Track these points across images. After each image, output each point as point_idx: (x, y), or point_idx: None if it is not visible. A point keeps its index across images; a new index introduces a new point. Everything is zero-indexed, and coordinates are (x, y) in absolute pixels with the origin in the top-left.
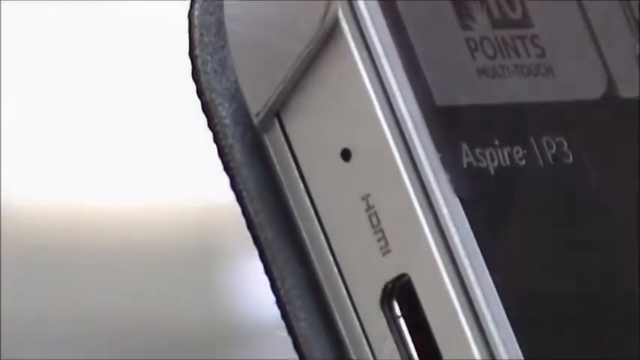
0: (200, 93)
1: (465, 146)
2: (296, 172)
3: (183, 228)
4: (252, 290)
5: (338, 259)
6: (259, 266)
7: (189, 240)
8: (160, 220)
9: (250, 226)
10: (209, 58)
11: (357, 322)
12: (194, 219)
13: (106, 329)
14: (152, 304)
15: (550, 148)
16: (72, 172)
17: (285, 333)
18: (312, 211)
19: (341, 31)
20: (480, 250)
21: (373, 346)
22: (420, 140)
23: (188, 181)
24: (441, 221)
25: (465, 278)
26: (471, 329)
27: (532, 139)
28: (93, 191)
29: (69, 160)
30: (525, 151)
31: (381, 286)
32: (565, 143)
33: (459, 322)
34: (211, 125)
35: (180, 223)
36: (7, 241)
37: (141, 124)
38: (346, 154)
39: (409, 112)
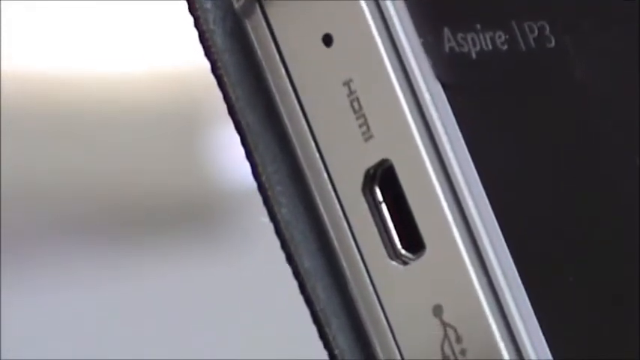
0: None
1: (446, 31)
2: (277, 58)
3: (166, 93)
4: (235, 156)
5: (319, 144)
6: None
7: (172, 105)
8: (144, 85)
9: (231, 111)
10: None
11: (338, 208)
12: (178, 84)
13: (88, 197)
14: (135, 169)
15: (532, 32)
16: (56, 38)
17: (267, 219)
18: (293, 97)
19: None
20: (462, 134)
21: (355, 231)
22: (402, 25)
23: (172, 45)
24: (423, 106)
25: (446, 162)
26: (453, 214)
27: (514, 24)
28: (81, 56)
29: (56, 27)
30: (507, 36)
31: (363, 171)
32: (547, 27)
33: (440, 207)
34: (192, 10)
35: (163, 88)
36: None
37: None
38: (328, 40)
39: None
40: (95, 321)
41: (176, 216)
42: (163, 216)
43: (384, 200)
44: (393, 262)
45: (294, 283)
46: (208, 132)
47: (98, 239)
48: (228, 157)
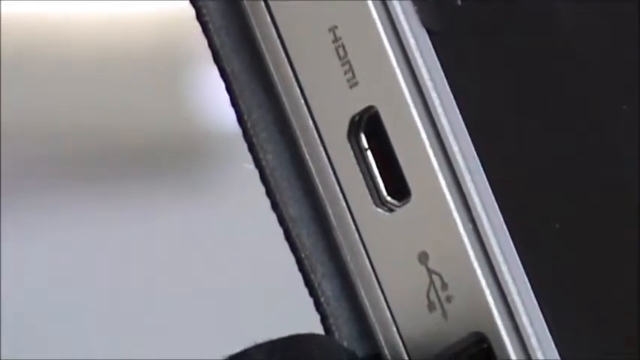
0: None
1: None
2: (263, 5)
3: (153, 34)
4: (220, 97)
5: (305, 91)
6: None
7: (161, 46)
8: (130, 26)
9: (217, 58)
10: None
11: (324, 155)
12: (164, 25)
13: (70, 137)
14: (122, 110)
15: None
16: None
17: (252, 165)
18: (278, 43)
19: None
20: (447, 81)
21: (340, 178)
22: None
23: None
24: (408, 52)
25: (432, 109)
26: (438, 161)
27: None
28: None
29: None
30: None
31: (349, 118)
32: None
33: (426, 154)
34: None
35: (150, 29)
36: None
37: None
38: None
39: None
40: (72, 264)
41: (162, 158)
42: (149, 158)
43: (370, 147)
44: (379, 209)
45: (279, 230)
46: (196, 74)
47: (79, 181)
48: (216, 99)
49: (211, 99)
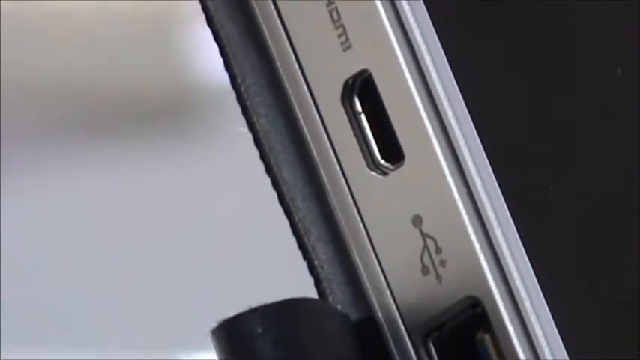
0: None
1: None
2: None
3: None
4: (212, 54)
5: (298, 54)
6: None
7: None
8: None
9: (210, 22)
10: None
11: (317, 119)
12: None
13: (67, 92)
14: (112, 66)
15: None
16: None
17: (246, 129)
18: (272, 7)
19: None
20: (441, 44)
21: (334, 141)
22: None
23: None
24: (402, 16)
25: (425, 72)
26: (432, 124)
27: None
28: None
29: None
30: None
31: (342, 82)
32: None
33: (420, 117)
34: None
35: None
36: None
37: None
38: None
39: None
40: (66, 222)
41: (159, 115)
42: (146, 114)
43: (364, 110)
44: (373, 173)
45: (273, 194)
46: (193, 30)
47: (75, 138)
48: (212, 55)
49: (208, 54)
